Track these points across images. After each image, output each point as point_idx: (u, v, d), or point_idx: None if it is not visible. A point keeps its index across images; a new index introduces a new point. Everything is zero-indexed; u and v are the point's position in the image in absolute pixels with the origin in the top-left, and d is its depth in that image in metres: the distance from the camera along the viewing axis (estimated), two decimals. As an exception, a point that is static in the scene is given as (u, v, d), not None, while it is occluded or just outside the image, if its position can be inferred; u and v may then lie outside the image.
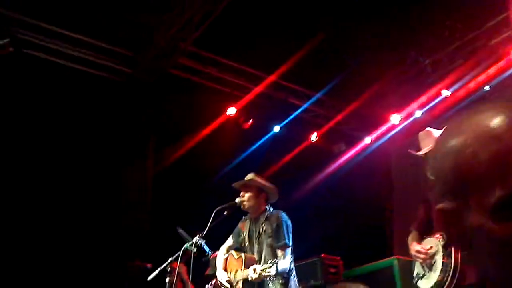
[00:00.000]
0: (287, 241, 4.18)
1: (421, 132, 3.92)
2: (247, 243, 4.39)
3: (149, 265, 5.41)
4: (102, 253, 6.95)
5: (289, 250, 4.19)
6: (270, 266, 3.77)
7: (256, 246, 4.31)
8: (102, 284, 6.55)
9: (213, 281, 4.52)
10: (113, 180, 7.35)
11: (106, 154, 7.24)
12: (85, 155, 7.04)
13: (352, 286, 1.41)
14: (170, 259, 4.08)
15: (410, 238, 3.81)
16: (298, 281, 4.45)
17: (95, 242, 6.90)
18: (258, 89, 7.73)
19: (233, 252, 4.43)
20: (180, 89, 7.50)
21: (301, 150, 8.73)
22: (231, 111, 7.87)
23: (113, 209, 7.29)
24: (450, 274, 3.40)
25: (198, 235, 4.13)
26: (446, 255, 3.46)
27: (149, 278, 4.15)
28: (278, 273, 3.88)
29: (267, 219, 4.33)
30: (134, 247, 7.02)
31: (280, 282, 4.07)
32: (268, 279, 4.02)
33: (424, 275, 3.64)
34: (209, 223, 4.13)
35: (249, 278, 3.93)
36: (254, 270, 3.87)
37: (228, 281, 4.21)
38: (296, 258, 4.75)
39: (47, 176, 6.77)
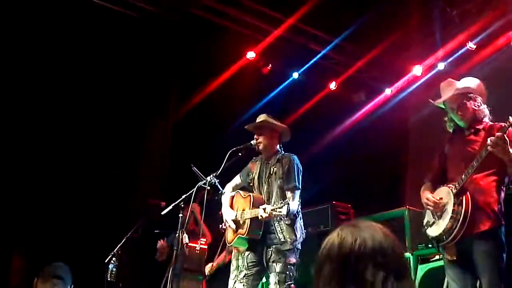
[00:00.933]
0: (297, 183, 4.20)
1: (443, 83, 3.86)
2: (256, 183, 4.40)
3: (163, 203, 5.51)
4: (123, 194, 7.15)
5: (298, 192, 4.21)
6: (281, 206, 3.79)
7: (265, 187, 4.32)
8: (120, 219, 6.75)
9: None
10: (136, 125, 7.45)
11: (129, 97, 7.30)
12: (108, 97, 7.11)
13: (364, 222, 1.47)
14: (183, 196, 4.15)
15: (423, 188, 3.83)
16: (307, 226, 4.52)
17: (115, 185, 7.09)
18: (277, 32, 7.58)
19: (240, 191, 4.46)
20: (201, 30, 7.43)
21: (320, 98, 8.69)
22: (251, 55, 7.81)
23: (135, 153, 7.44)
24: (460, 222, 3.42)
25: (212, 174, 4.18)
26: (457, 203, 3.47)
27: (163, 212, 4.25)
28: (287, 214, 3.93)
29: (278, 161, 4.34)
30: (153, 190, 7.20)
31: (286, 223, 4.11)
32: (274, 219, 4.07)
33: (434, 223, 3.66)
34: (224, 163, 4.17)
35: (259, 217, 3.96)
36: (265, 209, 3.88)
37: (234, 220, 4.25)
38: (307, 204, 4.81)
39: (69, 122, 6.89)
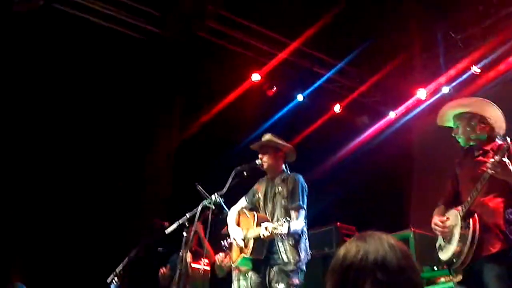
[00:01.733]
0: (301, 203, 4.17)
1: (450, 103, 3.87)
2: (261, 203, 4.38)
3: (166, 223, 5.49)
4: (126, 213, 7.13)
5: (303, 212, 4.17)
6: (282, 224, 3.74)
7: (269, 206, 4.30)
8: (123, 238, 6.72)
9: (229, 240, 4.54)
10: (141, 144, 7.48)
11: (133, 117, 7.34)
12: (113, 116, 7.16)
13: (374, 235, 1.43)
14: (188, 214, 4.14)
15: (435, 211, 3.79)
16: (311, 247, 4.48)
17: (118, 204, 7.08)
18: (282, 55, 7.68)
19: (245, 210, 4.43)
20: (206, 52, 7.51)
21: (324, 121, 8.71)
22: (256, 77, 7.87)
23: (138, 172, 7.45)
24: (468, 244, 3.38)
25: (217, 193, 4.17)
26: (465, 226, 3.44)
27: (167, 231, 4.23)
28: (290, 233, 3.86)
29: (283, 180, 4.32)
30: (156, 210, 7.19)
31: (290, 243, 4.07)
32: (278, 239, 4.03)
33: (444, 246, 3.64)
34: (228, 182, 4.16)
35: (261, 236, 3.93)
36: (266, 228, 3.85)
37: (243, 239, 4.19)
38: (311, 226, 4.78)
39: (74, 141, 6.93)
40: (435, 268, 4.89)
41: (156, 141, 7.76)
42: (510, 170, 3.25)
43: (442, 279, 4.71)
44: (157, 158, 7.75)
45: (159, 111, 7.62)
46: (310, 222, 4.47)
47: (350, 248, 1.43)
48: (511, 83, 7.28)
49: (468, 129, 3.68)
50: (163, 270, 6.08)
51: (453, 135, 3.79)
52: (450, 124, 3.84)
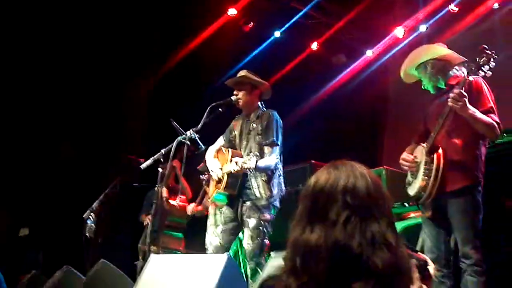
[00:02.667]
0: (275, 139, 4.16)
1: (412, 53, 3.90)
2: (237, 140, 4.38)
3: (142, 160, 5.49)
4: (101, 150, 7.10)
5: (276, 148, 4.17)
6: (250, 159, 3.76)
7: (244, 142, 4.30)
8: (98, 175, 6.72)
9: (206, 175, 4.54)
10: (116, 82, 7.34)
11: (108, 55, 7.16)
12: (87, 55, 6.98)
13: (346, 163, 1.48)
14: (163, 150, 4.13)
15: (407, 149, 3.86)
16: (287, 184, 4.52)
17: (93, 142, 7.03)
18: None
19: (223, 148, 4.42)
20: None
21: (302, 58, 8.63)
22: (232, 11, 7.68)
23: (114, 110, 7.36)
24: (433, 178, 3.45)
25: (192, 130, 4.15)
26: (429, 161, 3.50)
27: (142, 166, 4.23)
28: (260, 168, 3.91)
29: (258, 117, 4.30)
30: (132, 147, 7.16)
31: (263, 179, 4.10)
32: (251, 174, 4.07)
33: (412, 182, 3.72)
34: (204, 118, 4.14)
35: (232, 171, 3.96)
36: (236, 162, 3.86)
37: (221, 169, 4.19)
38: (286, 164, 4.81)
39: (49, 80, 6.76)
40: (406, 204, 5.02)
41: (132, 79, 7.61)
42: (466, 104, 3.29)
43: (412, 214, 4.84)
44: (132, 96, 7.64)
45: (133, 49, 7.41)
46: (286, 159, 4.50)
47: (321, 175, 1.47)
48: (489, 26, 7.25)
49: (429, 77, 3.74)
50: (145, 217, 6.11)
51: (423, 88, 3.84)
52: (417, 78, 3.90)
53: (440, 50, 3.76)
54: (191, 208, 5.87)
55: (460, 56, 3.73)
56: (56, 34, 6.70)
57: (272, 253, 4.52)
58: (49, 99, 6.84)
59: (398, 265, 1.33)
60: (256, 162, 3.75)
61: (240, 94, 4.31)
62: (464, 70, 3.67)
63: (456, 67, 3.73)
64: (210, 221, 4.48)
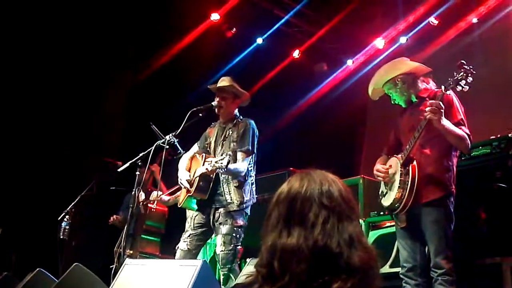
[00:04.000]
0: (250, 147, 4.19)
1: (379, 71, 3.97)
2: (212, 147, 4.40)
3: (120, 163, 5.46)
4: (78, 152, 7.01)
5: (250, 156, 4.22)
6: (223, 158, 3.80)
7: (219, 149, 4.32)
8: (74, 177, 6.65)
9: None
10: (94, 84, 7.27)
11: (87, 55, 7.09)
12: (66, 53, 6.90)
13: (315, 171, 1.55)
14: (141, 154, 4.11)
15: (378, 160, 3.93)
16: (264, 191, 4.51)
17: (70, 143, 6.95)
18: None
19: (197, 154, 4.45)
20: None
21: (283, 66, 8.67)
22: (215, 16, 7.69)
23: (94, 112, 7.28)
24: (408, 191, 3.52)
25: (171, 134, 4.14)
26: (405, 173, 3.57)
27: (119, 169, 4.21)
28: (230, 170, 3.95)
29: (235, 125, 4.34)
30: (110, 150, 7.10)
31: (235, 185, 4.13)
32: (223, 180, 4.12)
33: (386, 193, 3.78)
34: (183, 123, 4.14)
35: (205, 170, 3.99)
36: (210, 162, 3.90)
37: (188, 181, 4.22)
38: (264, 170, 4.83)
39: (25, 78, 6.67)
40: (381, 213, 5.08)
41: (112, 82, 7.55)
42: (441, 116, 3.36)
43: (388, 224, 4.89)
44: (111, 98, 7.58)
45: (113, 50, 7.36)
46: (264, 166, 4.52)
47: (295, 182, 1.52)
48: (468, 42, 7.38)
49: (401, 92, 3.81)
50: (113, 217, 6.06)
51: (392, 103, 3.92)
52: (382, 94, 3.98)
53: (407, 64, 3.85)
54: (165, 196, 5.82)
55: (425, 66, 3.82)
56: (34, 33, 6.61)
57: (248, 260, 4.53)
58: (25, 99, 6.74)
59: (370, 261, 1.41)
60: (228, 162, 3.78)
61: (222, 102, 4.33)
62: (431, 80, 3.79)
63: (421, 77, 3.83)
64: (186, 225, 4.47)
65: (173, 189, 5.70)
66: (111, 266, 5.46)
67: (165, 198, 5.73)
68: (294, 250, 1.39)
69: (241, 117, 4.43)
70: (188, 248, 4.17)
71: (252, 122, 4.35)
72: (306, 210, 1.45)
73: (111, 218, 6.07)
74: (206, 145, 4.47)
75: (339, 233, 1.41)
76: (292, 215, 1.46)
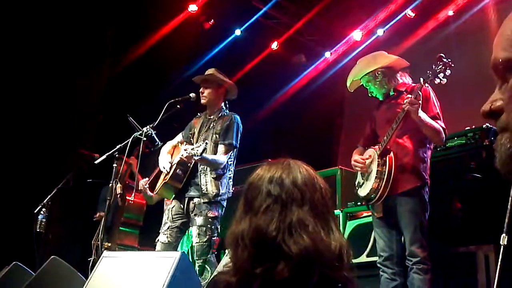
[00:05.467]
0: (234, 141, 4.21)
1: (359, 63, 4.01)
2: (196, 137, 4.39)
3: (97, 155, 5.40)
4: (54, 144, 6.91)
5: (232, 151, 4.24)
6: (199, 146, 3.80)
7: (201, 139, 4.30)
8: (51, 170, 6.56)
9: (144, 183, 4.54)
10: (70, 76, 7.16)
11: (63, 48, 6.97)
12: (41, 47, 6.77)
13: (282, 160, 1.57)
14: (118, 146, 4.08)
15: (354, 152, 3.99)
16: (244, 182, 4.49)
17: (46, 136, 6.85)
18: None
19: (179, 143, 4.46)
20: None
21: (262, 57, 8.64)
22: (193, 7, 7.64)
23: (69, 104, 7.18)
24: (384, 181, 3.58)
25: (148, 126, 4.12)
26: (382, 164, 3.63)
27: (96, 162, 4.17)
28: (206, 159, 3.95)
29: (220, 117, 4.34)
30: (87, 142, 7.01)
31: (212, 176, 4.14)
32: (202, 170, 4.12)
33: (363, 183, 3.83)
34: (161, 115, 4.12)
35: (180, 157, 4.00)
36: (185, 149, 3.89)
37: (169, 162, 4.22)
38: (243, 162, 4.84)
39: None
40: (359, 203, 5.14)
41: (88, 74, 7.44)
42: (419, 109, 3.42)
43: (365, 214, 4.95)
44: (88, 89, 7.47)
45: (90, 42, 7.25)
46: (242, 157, 4.53)
47: (257, 171, 1.55)
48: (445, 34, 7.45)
49: (380, 85, 3.86)
50: (98, 215, 5.99)
51: (370, 95, 3.96)
52: (359, 85, 4.04)
53: (388, 58, 3.90)
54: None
55: (404, 60, 3.88)
56: (5, 24, 6.47)
57: (227, 251, 4.54)
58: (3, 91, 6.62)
59: (315, 249, 1.37)
60: (204, 150, 3.77)
61: (206, 92, 4.32)
62: (407, 75, 3.86)
63: (400, 71, 3.88)
64: (164, 217, 4.46)
65: (152, 177, 5.66)
66: (89, 259, 5.43)
67: (150, 193, 5.69)
68: (240, 237, 1.42)
69: (227, 111, 4.42)
70: (168, 241, 4.17)
71: (237, 117, 4.37)
72: (255, 198, 1.47)
73: (96, 215, 6.01)
74: (190, 135, 4.46)
75: (280, 220, 1.40)
76: (245, 203, 1.50)
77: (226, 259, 4.15)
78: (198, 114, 4.57)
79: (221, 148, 4.18)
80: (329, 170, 5.62)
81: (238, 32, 8.27)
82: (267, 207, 1.43)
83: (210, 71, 4.42)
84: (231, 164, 4.28)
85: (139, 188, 4.65)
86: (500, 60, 0.79)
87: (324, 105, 8.74)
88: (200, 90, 4.36)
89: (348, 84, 4.08)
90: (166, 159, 4.30)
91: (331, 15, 8.05)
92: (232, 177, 4.33)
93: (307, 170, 1.53)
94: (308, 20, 8.12)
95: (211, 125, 4.33)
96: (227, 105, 4.49)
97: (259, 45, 8.63)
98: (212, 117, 4.39)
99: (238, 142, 4.29)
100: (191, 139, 4.42)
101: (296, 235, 1.38)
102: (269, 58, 8.67)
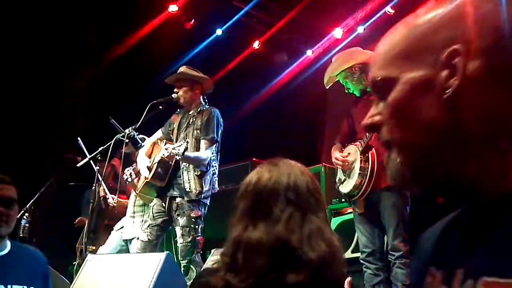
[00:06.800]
0: (215, 135, 4.17)
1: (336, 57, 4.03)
2: (175, 133, 4.35)
3: (79, 158, 5.37)
4: (36, 148, 6.84)
5: (214, 145, 4.18)
6: (180, 145, 3.76)
7: (182, 135, 4.27)
8: (33, 174, 6.49)
9: (134, 166, 4.47)
10: (52, 78, 7.10)
11: (45, 48, 6.90)
12: (23, 47, 6.70)
13: (284, 161, 1.55)
14: (100, 148, 4.06)
15: (333, 148, 4.01)
16: (227, 182, 4.49)
17: (28, 139, 6.77)
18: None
19: (159, 141, 4.39)
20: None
21: (243, 57, 8.65)
22: (173, 8, 7.61)
23: (52, 106, 7.12)
24: (367, 177, 3.61)
25: (130, 127, 4.10)
26: (364, 160, 3.65)
27: (79, 165, 4.14)
28: (188, 158, 3.91)
29: (199, 112, 4.30)
30: (69, 145, 6.94)
31: (196, 173, 4.09)
32: (183, 168, 4.08)
33: (345, 180, 3.85)
34: (143, 116, 4.10)
35: (161, 156, 3.95)
36: (166, 148, 3.85)
37: (148, 167, 4.17)
38: (227, 161, 4.82)
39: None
40: (343, 200, 5.18)
41: (69, 76, 7.37)
42: None
43: (349, 210, 4.99)
44: (69, 91, 7.41)
45: (70, 45, 7.18)
46: (227, 156, 4.51)
47: (263, 173, 1.51)
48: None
49: (358, 81, 3.89)
50: (78, 220, 5.94)
51: (346, 92, 3.99)
52: (334, 81, 4.06)
53: (364, 53, 3.93)
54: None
55: None
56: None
57: (213, 250, 4.54)
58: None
59: (332, 256, 1.40)
60: (185, 150, 3.73)
61: (181, 91, 4.29)
62: None
63: None
64: (128, 211, 4.44)
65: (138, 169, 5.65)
66: (73, 262, 5.40)
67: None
68: (257, 244, 1.39)
69: (206, 106, 4.39)
70: (148, 239, 4.12)
71: (217, 110, 4.32)
72: (272, 204, 1.44)
73: (76, 221, 5.96)
74: (170, 131, 4.42)
75: (301, 229, 1.40)
76: (258, 208, 1.45)
77: (214, 258, 4.16)
78: (178, 110, 4.53)
79: (202, 143, 4.14)
80: (313, 168, 5.66)
81: (219, 31, 8.26)
82: (289, 217, 1.41)
83: (181, 69, 4.38)
84: (214, 159, 4.23)
85: (127, 180, 4.58)
86: (378, 79, 0.84)
87: (306, 102, 8.77)
88: (174, 90, 4.32)
89: (325, 81, 4.10)
90: (145, 162, 4.23)
91: (312, 13, 8.08)
92: (216, 173, 4.27)
93: (308, 172, 1.54)
94: (290, 18, 8.14)
95: (191, 120, 4.28)
96: (206, 100, 4.45)
97: (240, 44, 8.63)
98: (191, 112, 4.34)
99: (219, 136, 4.25)
100: (171, 136, 4.38)
101: (315, 243, 1.39)
102: (251, 57, 8.68)
